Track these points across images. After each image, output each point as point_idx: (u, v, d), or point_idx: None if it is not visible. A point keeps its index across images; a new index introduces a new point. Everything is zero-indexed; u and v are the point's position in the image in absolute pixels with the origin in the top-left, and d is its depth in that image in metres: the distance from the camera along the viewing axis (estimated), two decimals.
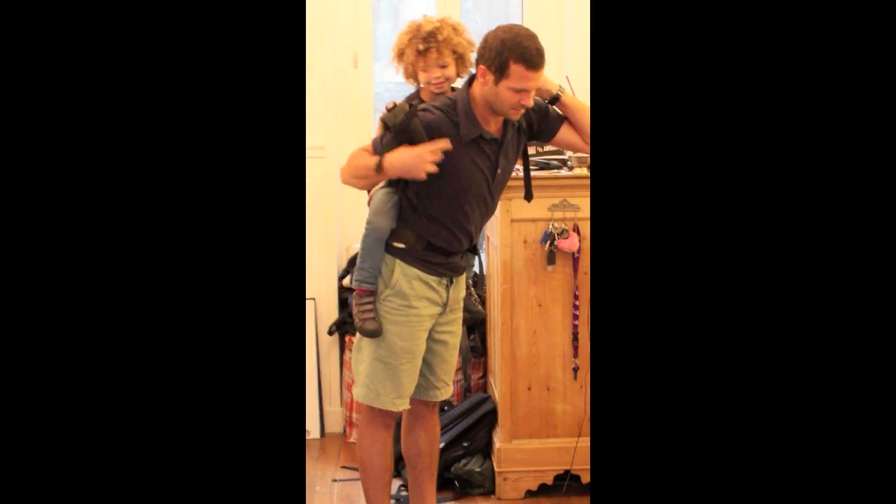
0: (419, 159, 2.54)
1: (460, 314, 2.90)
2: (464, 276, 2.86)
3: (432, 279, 2.73)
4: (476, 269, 3.24)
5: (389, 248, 2.73)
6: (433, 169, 2.54)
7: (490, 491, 3.48)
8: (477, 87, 2.62)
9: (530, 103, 2.58)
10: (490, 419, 3.58)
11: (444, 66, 2.77)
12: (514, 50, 2.50)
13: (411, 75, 2.86)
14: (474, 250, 2.86)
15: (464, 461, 3.52)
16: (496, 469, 3.45)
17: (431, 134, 2.57)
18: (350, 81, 4.21)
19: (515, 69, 2.51)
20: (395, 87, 4.80)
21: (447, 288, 2.77)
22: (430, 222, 2.69)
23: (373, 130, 4.31)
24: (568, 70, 4.04)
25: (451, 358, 2.91)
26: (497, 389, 3.53)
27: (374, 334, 2.74)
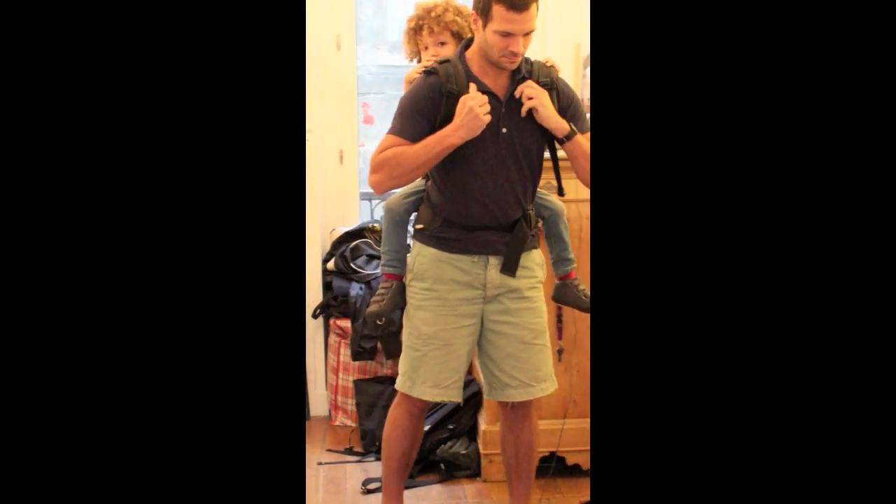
0: (471, 113, 2.44)
1: (529, 304, 2.67)
2: (527, 258, 2.66)
3: (461, 259, 2.60)
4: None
5: (415, 233, 2.70)
6: (488, 117, 2.46)
7: (476, 473, 3.48)
8: (475, 41, 2.55)
9: (519, 49, 2.46)
10: (475, 401, 3.58)
11: (442, 44, 2.76)
12: None
13: (416, 57, 2.88)
14: (516, 227, 2.62)
15: (449, 444, 3.52)
16: (481, 451, 3.46)
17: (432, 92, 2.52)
18: (333, 64, 4.19)
19: (498, 10, 2.40)
20: (377, 69, 4.78)
21: (485, 268, 2.62)
22: (444, 196, 2.60)
23: (357, 112, 4.32)
24: (550, 51, 4.04)
25: (520, 353, 2.67)
26: (481, 371, 3.52)
27: (373, 316, 2.73)
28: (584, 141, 2.56)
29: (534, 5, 2.43)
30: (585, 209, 3.30)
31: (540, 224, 2.80)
